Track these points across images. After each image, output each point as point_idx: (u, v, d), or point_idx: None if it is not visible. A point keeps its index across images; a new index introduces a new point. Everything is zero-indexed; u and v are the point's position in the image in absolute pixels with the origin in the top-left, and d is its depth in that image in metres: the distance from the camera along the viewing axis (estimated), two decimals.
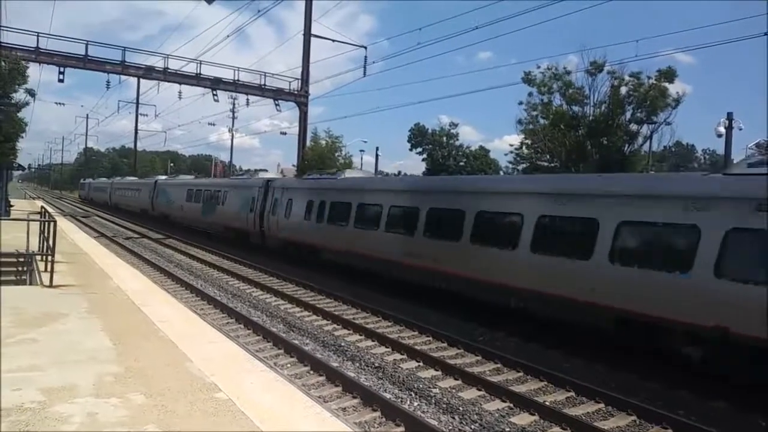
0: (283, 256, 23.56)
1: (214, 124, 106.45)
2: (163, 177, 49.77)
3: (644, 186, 11.41)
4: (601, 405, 8.63)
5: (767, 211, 8.40)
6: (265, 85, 34.30)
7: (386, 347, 11.21)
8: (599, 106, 21.16)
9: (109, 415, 3.99)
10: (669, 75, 20.39)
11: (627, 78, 20.66)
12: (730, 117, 17.60)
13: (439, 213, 15.18)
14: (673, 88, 20.75)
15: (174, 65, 32.74)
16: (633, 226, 10.44)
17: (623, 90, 20.91)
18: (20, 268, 11.85)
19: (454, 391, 8.95)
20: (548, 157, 23.06)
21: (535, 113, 22.49)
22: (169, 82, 32.92)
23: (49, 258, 9.83)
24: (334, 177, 21.97)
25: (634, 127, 21.31)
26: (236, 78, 33.69)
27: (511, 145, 24.40)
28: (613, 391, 9.33)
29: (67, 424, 3.80)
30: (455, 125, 60.62)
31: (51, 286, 8.91)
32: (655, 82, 20.42)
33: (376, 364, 10.16)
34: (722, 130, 17.96)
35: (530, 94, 22.55)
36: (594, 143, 21.22)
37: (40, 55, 27.97)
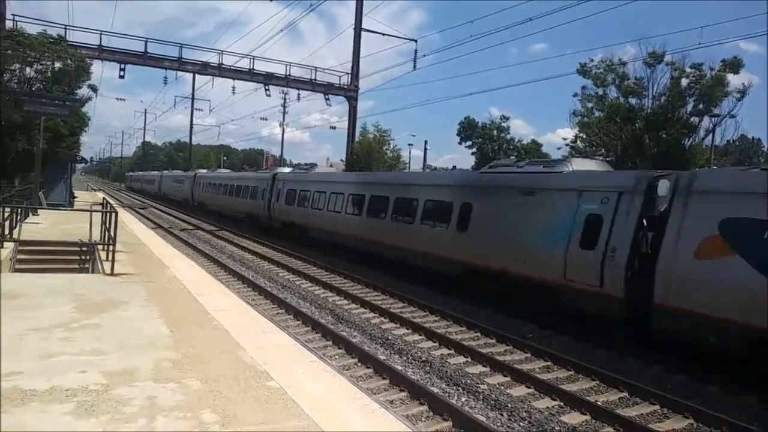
0: (305, 241, 25.38)
1: (266, 119, 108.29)
2: (203, 171, 53.46)
3: (483, 179, 15.70)
4: (657, 407, 8.36)
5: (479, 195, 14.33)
6: (315, 79, 34.68)
7: (433, 342, 11.18)
8: (658, 99, 20.34)
9: (167, 399, 4.14)
10: (734, 65, 19.41)
11: (688, 70, 19.77)
12: None
13: (362, 197, 20.55)
14: (739, 79, 19.77)
15: (228, 61, 33.60)
16: (471, 206, 14.76)
17: (684, 82, 20.05)
18: (83, 257, 12.42)
19: (502, 387, 8.85)
20: (603, 151, 22.38)
21: (590, 105, 21.83)
22: (223, 77, 33.70)
23: (110, 248, 10.25)
24: (306, 171, 28.15)
25: (695, 120, 20.40)
26: (288, 73, 34.21)
27: (564, 139, 23.81)
28: (670, 393, 9.05)
29: (128, 406, 3.96)
30: (506, 118, 59.56)
31: (112, 274, 9.29)
32: (718, 72, 19.48)
33: (423, 358, 10.15)
34: None
35: (584, 87, 21.91)
36: (652, 137, 20.43)
37: (103, 53, 29.15)
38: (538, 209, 12.70)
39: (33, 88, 23.51)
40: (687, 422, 7.87)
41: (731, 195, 9.45)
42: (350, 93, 35.03)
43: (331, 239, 22.69)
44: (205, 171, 51.55)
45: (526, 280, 12.62)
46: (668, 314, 9.65)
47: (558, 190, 12.64)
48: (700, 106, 20.04)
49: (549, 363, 10.25)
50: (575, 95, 22.22)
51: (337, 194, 22.53)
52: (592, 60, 21.99)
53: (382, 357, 10.02)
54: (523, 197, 13.18)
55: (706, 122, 20.44)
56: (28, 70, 23.80)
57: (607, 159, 22.65)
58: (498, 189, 14.33)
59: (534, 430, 7.43)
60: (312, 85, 34.91)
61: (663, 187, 10.44)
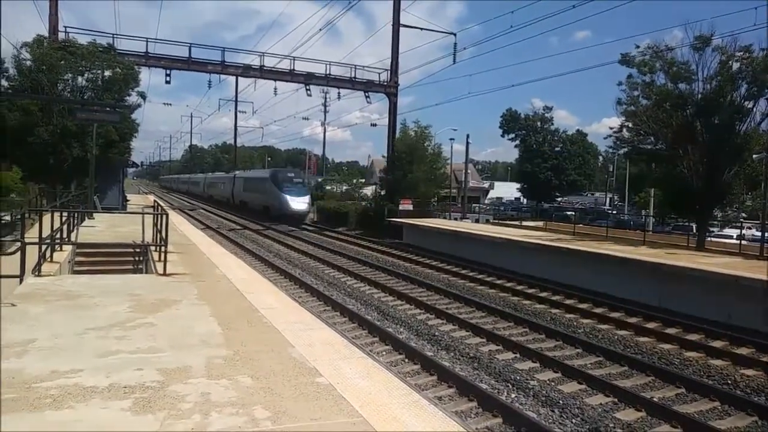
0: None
1: (307, 119, 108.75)
2: (239, 171, 58.76)
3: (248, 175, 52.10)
4: (716, 403, 8.05)
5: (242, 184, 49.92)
6: (355, 77, 34.75)
7: (481, 338, 11.07)
8: (709, 83, 19.48)
9: (221, 395, 4.21)
10: None
11: (737, 54, 18.85)
12: None
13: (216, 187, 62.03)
14: None
15: (269, 62, 33.98)
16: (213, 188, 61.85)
17: (735, 65, 19.12)
18: (137, 258, 12.82)
19: (553, 383, 8.68)
20: (652, 139, 21.59)
21: (636, 93, 21.05)
22: (264, 79, 34.16)
23: (162, 248, 10.55)
24: (230, 174, 58.65)
25: (749, 103, 19.43)
26: (328, 72, 34.39)
27: (611, 128, 23.04)
28: (734, 389, 8.71)
29: (183, 402, 4.05)
30: (549, 109, 58.36)
31: (165, 274, 9.55)
32: None
33: (471, 355, 10.06)
34: None
35: (629, 76, 21.14)
36: (704, 123, 19.58)
37: (149, 59, 29.96)
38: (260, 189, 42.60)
39: (85, 97, 24.40)
40: (750, 419, 7.54)
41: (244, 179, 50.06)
42: (390, 90, 34.99)
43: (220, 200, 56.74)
44: (240, 172, 59.60)
45: (245, 203, 47.23)
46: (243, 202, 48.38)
47: (253, 178, 47.27)
48: (754, 89, 19.06)
49: (601, 358, 10.01)
50: (619, 84, 21.48)
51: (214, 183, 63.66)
52: (638, 46, 21.22)
53: (429, 353, 9.98)
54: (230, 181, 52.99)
55: (763, 106, 19.44)
56: (79, 79, 24.70)
57: (657, 147, 21.88)
58: (231, 179, 54.06)
59: (587, 426, 7.26)
60: (352, 84, 35.01)
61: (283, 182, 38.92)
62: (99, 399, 4.04)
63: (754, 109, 19.55)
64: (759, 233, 23.46)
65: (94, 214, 19.34)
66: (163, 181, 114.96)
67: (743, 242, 21.01)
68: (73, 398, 4.02)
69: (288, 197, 36.97)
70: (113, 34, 28.16)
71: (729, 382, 9.10)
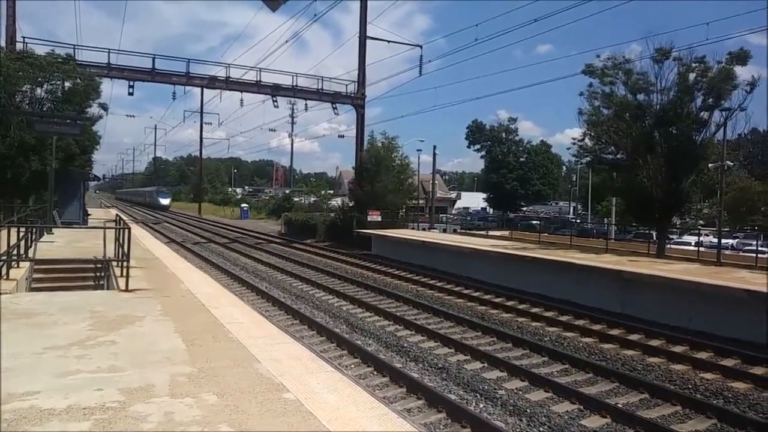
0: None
1: (274, 130, 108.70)
2: (153, 187, 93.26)
3: (137, 191, 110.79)
4: (678, 407, 8.24)
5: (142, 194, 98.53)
6: (322, 89, 34.75)
7: (449, 348, 11.12)
8: (666, 94, 20.12)
9: (185, 414, 4.12)
10: (741, 57, 19.19)
11: (694, 65, 19.57)
12: None
13: (137, 196, 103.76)
14: (747, 72, 19.52)
15: (235, 74, 33.68)
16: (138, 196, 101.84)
17: (691, 76, 19.83)
18: (98, 274, 12.49)
19: (520, 392, 8.77)
20: (613, 149, 22.16)
21: (597, 103, 21.60)
22: (231, 90, 33.87)
23: (125, 264, 10.31)
24: (146, 189, 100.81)
25: (705, 114, 20.14)
26: (295, 84, 34.29)
27: (573, 139, 23.55)
28: (695, 394, 8.94)
29: (146, 422, 3.95)
30: (514, 120, 59.54)
31: (127, 290, 9.33)
32: (725, 65, 19.22)
33: (440, 365, 10.09)
34: None
35: (590, 85, 21.69)
36: (662, 133, 20.19)
37: (112, 71, 29.39)
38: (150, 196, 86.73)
39: (44, 109, 23.78)
40: (710, 422, 7.74)
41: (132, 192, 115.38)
42: (357, 101, 35.10)
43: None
44: (155, 187, 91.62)
45: (149, 203, 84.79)
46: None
47: (144, 191, 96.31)
48: (710, 100, 19.79)
49: (567, 366, 10.15)
50: (581, 94, 22.02)
51: (136, 194, 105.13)
52: (598, 56, 21.80)
53: (398, 365, 9.97)
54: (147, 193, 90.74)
55: (717, 117, 20.15)
56: (38, 90, 24.05)
57: (617, 157, 22.43)
58: (142, 192, 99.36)
59: None
60: (319, 95, 34.99)
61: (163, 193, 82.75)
62: (57, 422, 3.91)
63: (710, 120, 20.27)
64: (716, 240, 24.22)
65: (54, 229, 18.78)
66: (118, 194, 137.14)
67: (701, 249, 21.68)
68: (29, 422, 3.88)
69: (159, 198, 79.46)
70: (74, 45, 27.50)
71: (690, 386, 9.34)
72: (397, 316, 13.66)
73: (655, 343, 11.76)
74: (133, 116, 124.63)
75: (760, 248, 23.17)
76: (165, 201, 78.00)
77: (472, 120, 61.13)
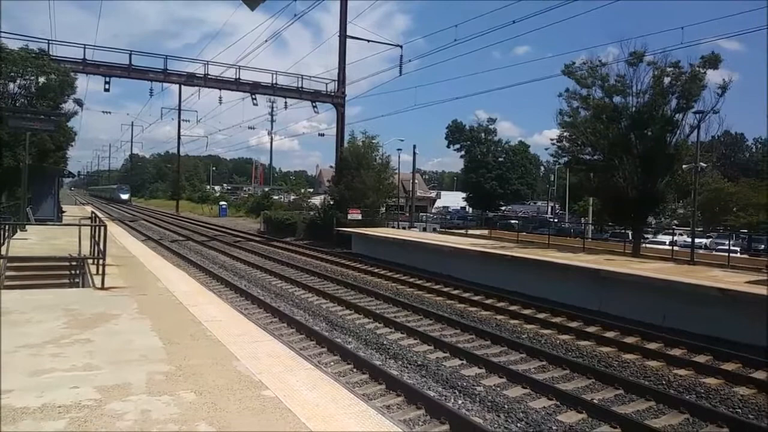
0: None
1: (254, 128, 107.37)
2: (116, 185, 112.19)
3: (104, 188, 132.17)
4: (652, 403, 8.40)
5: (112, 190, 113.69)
6: (302, 87, 34.60)
7: (429, 345, 11.17)
8: (642, 96, 20.48)
9: (162, 412, 4.09)
10: (713, 61, 19.62)
11: (668, 69, 19.98)
12: None
13: (105, 192, 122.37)
14: (719, 75, 20.01)
15: (214, 71, 33.42)
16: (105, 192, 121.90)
17: (666, 80, 20.23)
18: (73, 272, 12.28)
19: (498, 389, 8.85)
20: (590, 150, 22.48)
21: (575, 105, 21.91)
22: (209, 87, 33.55)
23: (100, 261, 10.16)
24: (110, 186, 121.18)
25: (678, 117, 20.56)
26: (274, 82, 34.10)
27: (552, 140, 23.84)
28: (668, 389, 9.11)
29: (121, 420, 3.91)
30: (493, 121, 59.92)
31: (103, 288, 9.20)
32: (698, 68, 19.64)
33: (419, 362, 10.14)
34: None
35: (567, 90, 22.00)
36: (637, 135, 20.55)
37: (87, 66, 28.90)
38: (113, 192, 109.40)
39: (17, 104, 23.32)
40: (683, 417, 7.90)
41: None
42: (337, 100, 35.03)
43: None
44: (118, 185, 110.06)
45: (113, 199, 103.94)
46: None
47: (109, 189, 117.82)
48: (683, 102, 20.19)
49: (544, 363, 10.27)
50: (560, 95, 22.31)
51: (106, 190, 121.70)
52: (574, 62, 22.10)
53: (377, 362, 9.99)
54: (111, 190, 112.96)
55: (692, 119, 20.57)
56: (11, 85, 23.59)
57: (594, 158, 22.77)
58: (108, 189, 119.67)
59: (531, 430, 7.43)
60: (299, 93, 34.83)
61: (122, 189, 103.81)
62: (30, 420, 3.85)
63: (683, 122, 20.69)
64: (690, 240, 24.71)
65: (27, 227, 18.43)
66: (90, 191, 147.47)
67: (675, 248, 22.10)
68: (2, 421, 3.82)
69: (120, 194, 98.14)
70: (48, 40, 27.00)
71: (664, 382, 9.52)
72: (377, 313, 13.68)
73: (630, 340, 11.96)
74: (110, 113, 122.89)
75: (732, 248, 23.69)
76: (125, 196, 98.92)
77: (452, 120, 61.45)
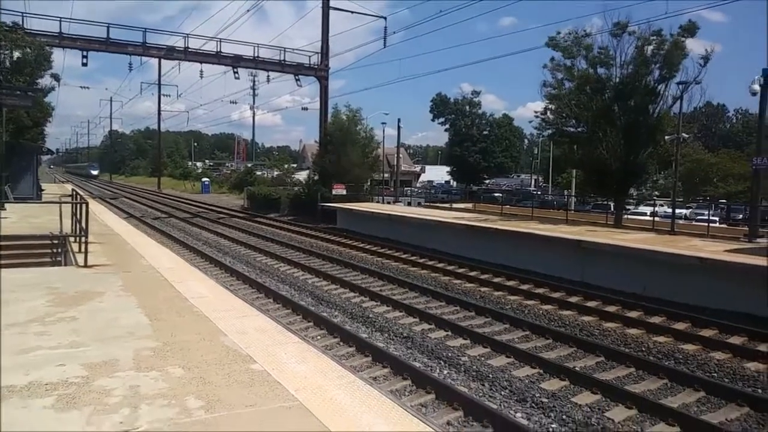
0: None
1: (235, 102, 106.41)
2: (86, 163, 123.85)
3: (78, 165, 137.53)
4: (632, 369, 8.62)
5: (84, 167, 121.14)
6: (285, 60, 34.07)
7: (414, 317, 11.30)
8: (626, 68, 20.51)
9: (150, 387, 4.11)
10: (690, 29, 19.67)
11: (650, 38, 19.98)
12: (766, 74, 16.83)
13: (79, 169, 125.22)
14: (702, 46, 20.10)
15: (194, 44, 32.69)
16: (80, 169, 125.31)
17: (648, 49, 20.24)
18: (55, 250, 12.15)
19: (483, 359, 9.01)
20: (574, 122, 22.54)
21: (560, 77, 21.88)
22: (189, 61, 32.92)
23: (82, 239, 10.07)
24: (83, 164, 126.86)
25: (661, 87, 20.65)
26: (256, 55, 33.50)
27: (536, 112, 23.83)
28: (648, 356, 9.34)
29: (110, 396, 3.93)
30: (477, 93, 59.62)
31: (86, 266, 9.13)
32: (676, 37, 19.67)
33: (405, 334, 10.27)
34: (757, 88, 17.19)
35: (552, 59, 21.92)
36: (621, 106, 20.63)
37: (64, 40, 28.14)
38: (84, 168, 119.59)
39: None
40: (662, 382, 8.13)
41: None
42: (321, 73, 34.59)
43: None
44: (88, 163, 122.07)
45: (86, 175, 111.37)
46: None
47: (82, 166, 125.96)
48: (665, 72, 20.25)
49: (528, 332, 10.46)
50: (544, 66, 22.23)
51: (80, 167, 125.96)
52: (559, 32, 22.00)
53: (363, 335, 10.10)
54: (83, 167, 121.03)
55: (674, 90, 20.68)
56: None
57: (578, 130, 22.85)
58: (82, 166, 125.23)
59: (515, 397, 7.60)
60: (281, 66, 34.31)
61: (92, 166, 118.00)
62: (17, 398, 3.86)
63: (666, 93, 20.79)
64: (671, 210, 25.05)
65: (6, 205, 18.14)
66: (67, 168, 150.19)
67: (656, 219, 22.40)
68: None
69: (90, 170, 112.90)
70: (22, 13, 26.23)
71: (643, 349, 9.75)
72: (363, 287, 13.77)
73: (611, 309, 12.20)
74: (88, 88, 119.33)
75: (711, 218, 24.09)
76: (94, 171, 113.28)
77: (437, 93, 61.02)
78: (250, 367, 4.64)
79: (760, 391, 8.00)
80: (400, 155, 48.66)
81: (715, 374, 8.65)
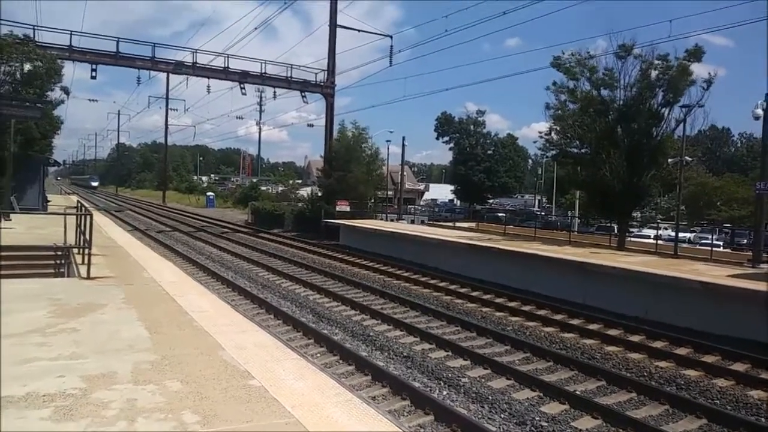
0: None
1: (242, 118, 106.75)
2: (88, 176, 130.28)
3: (80, 177, 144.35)
4: (633, 394, 8.54)
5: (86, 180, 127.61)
6: (291, 77, 34.41)
7: (415, 337, 11.25)
8: (630, 90, 20.62)
9: (148, 400, 4.11)
10: (696, 54, 19.79)
11: (656, 62, 20.13)
12: None
13: (82, 181, 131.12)
14: (705, 70, 20.18)
15: (202, 60, 33.12)
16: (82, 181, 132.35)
17: (653, 73, 20.37)
18: (58, 261, 12.19)
19: (483, 380, 8.95)
20: (578, 143, 22.61)
21: (563, 98, 21.99)
22: (197, 76, 33.28)
23: (86, 251, 10.11)
24: (86, 177, 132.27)
25: (664, 110, 20.73)
26: (263, 71, 33.86)
27: (540, 132, 23.92)
28: (649, 381, 9.27)
29: (107, 409, 3.92)
30: (482, 113, 59.91)
31: (88, 277, 9.16)
32: (681, 61, 19.79)
33: (405, 354, 10.22)
34: (760, 112, 17.26)
35: (554, 83, 22.07)
36: (624, 128, 20.70)
37: (74, 53, 28.52)
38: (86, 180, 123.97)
39: (2, 91, 22.98)
40: (663, 408, 8.05)
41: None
42: (327, 90, 34.90)
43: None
44: (89, 176, 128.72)
45: (88, 187, 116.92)
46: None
47: (85, 178, 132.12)
48: (670, 96, 20.33)
49: (529, 354, 10.39)
50: (547, 88, 22.38)
51: (83, 179, 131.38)
52: (563, 53, 22.16)
53: (363, 353, 10.05)
54: (85, 179, 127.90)
55: (678, 113, 20.75)
56: None
57: (582, 151, 22.89)
58: (84, 178, 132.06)
59: (514, 420, 7.54)
60: (288, 83, 34.64)
61: (93, 178, 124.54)
62: (14, 409, 3.86)
63: (669, 116, 20.86)
64: (673, 233, 24.99)
65: (12, 215, 18.24)
66: (72, 179, 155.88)
67: (660, 242, 22.35)
68: None
69: (91, 182, 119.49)
70: (33, 26, 26.60)
71: (645, 374, 9.67)
72: (364, 305, 13.74)
73: (613, 332, 12.12)
74: (96, 101, 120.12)
75: (715, 242, 24.02)
76: (94, 183, 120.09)
77: (441, 112, 61.37)
78: (248, 382, 4.63)
79: (763, 420, 7.92)
80: (404, 173, 48.79)
81: (718, 401, 8.56)
